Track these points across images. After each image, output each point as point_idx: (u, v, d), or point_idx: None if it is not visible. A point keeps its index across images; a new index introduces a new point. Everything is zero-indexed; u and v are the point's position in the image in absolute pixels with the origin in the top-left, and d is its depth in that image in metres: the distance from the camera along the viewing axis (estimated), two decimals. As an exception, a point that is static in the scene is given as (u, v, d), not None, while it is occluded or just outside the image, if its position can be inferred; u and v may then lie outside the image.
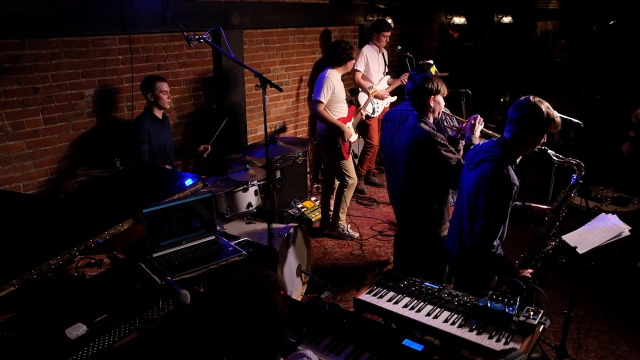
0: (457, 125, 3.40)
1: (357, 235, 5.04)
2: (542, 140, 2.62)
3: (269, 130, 4.21)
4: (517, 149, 2.64)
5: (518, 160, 2.68)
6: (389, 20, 6.36)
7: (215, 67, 4.85)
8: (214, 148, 4.40)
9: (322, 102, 4.55)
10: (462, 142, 3.26)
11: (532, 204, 2.97)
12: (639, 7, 10.48)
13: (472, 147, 3.07)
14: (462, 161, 2.99)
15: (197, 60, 4.68)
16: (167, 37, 4.34)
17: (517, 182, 2.58)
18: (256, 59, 5.24)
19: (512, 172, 2.57)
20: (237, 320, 1.38)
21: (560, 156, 2.78)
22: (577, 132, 5.92)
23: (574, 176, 2.79)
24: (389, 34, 5.76)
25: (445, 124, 3.67)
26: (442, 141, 3.04)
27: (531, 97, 2.58)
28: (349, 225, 5.04)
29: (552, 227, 2.83)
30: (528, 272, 2.74)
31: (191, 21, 3.99)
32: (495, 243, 2.64)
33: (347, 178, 4.79)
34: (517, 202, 2.88)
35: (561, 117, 3.16)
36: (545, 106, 2.54)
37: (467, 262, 2.82)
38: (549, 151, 2.73)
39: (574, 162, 2.75)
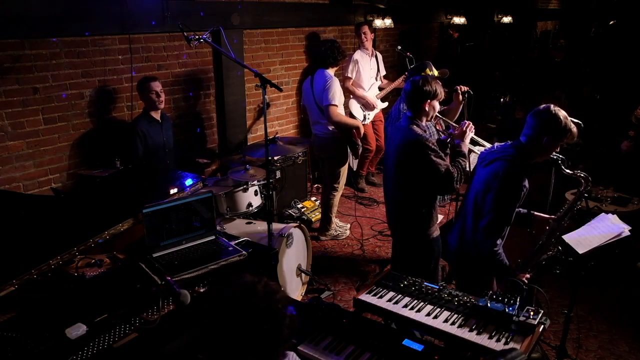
0: (445, 128, 3.40)
1: (347, 226, 5.07)
2: (557, 149, 2.67)
3: (268, 130, 4.21)
4: (531, 154, 2.68)
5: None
6: (388, 21, 6.36)
7: (215, 67, 4.85)
8: (215, 149, 4.41)
9: (337, 106, 4.44)
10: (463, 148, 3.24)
11: (535, 213, 2.98)
12: (639, 7, 10.49)
13: (460, 152, 3.09)
14: (450, 168, 2.98)
15: (197, 60, 4.68)
16: (167, 37, 4.34)
17: (527, 184, 2.60)
18: (256, 59, 5.24)
19: (522, 174, 2.60)
20: (241, 335, 1.39)
21: (569, 171, 2.76)
22: (584, 138, 5.94)
23: (581, 189, 2.80)
24: (365, 29, 5.69)
25: (438, 127, 3.66)
26: (432, 146, 3.01)
27: (551, 106, 2.62)
28: (337, 220, 5.05)
29: (552, 237, 2.83)
30: (526, 276, 2.74)
31: (191, 21, 3.99)
32: (498, 242, 2.66)
33: (339, 181, 4.78)
34: (521, 209, 2.89)
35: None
36: (563, 115, 2.58)
37: (465, 258, 2.84)
38: (559, 162, 2.74)
39: (582, 175, 2.77)
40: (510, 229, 2.77)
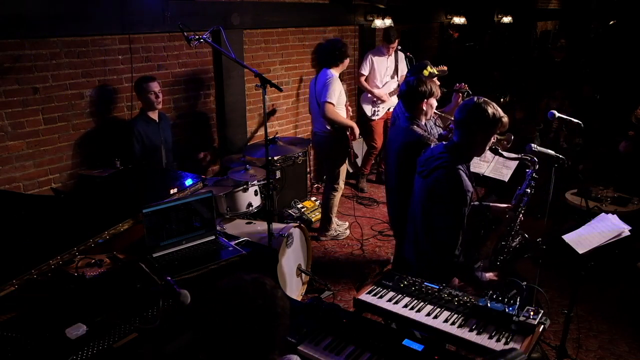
0: (445, 125, 3.40)
1: (346, 224, 5.09)
2: (492, 140, 2.58)
3: (268, 130, 4.21)
4: (468, 151, 2.60)
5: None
6: (388, 21, 6.37)
7: (215, 67, 4.85)
8: (215, 149, 4.41)
9: (332, 104, 4.45)
10: None
11: (491, 204, 2.92)
12: (639, 7, 10.50)
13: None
14: None
15: (197, 60, 4.68)
16: (167, 37, 4.34)
17: (470, 187, 2.53)
18: (256, 59, 5.24)
19: (464, 178, 2.51)
20: (239, 330, 1.39)
21: (513, 155, 2.80)
22: (584, 139, 5.96)
23: (528, 171, 2.78)
24: (393, 46, 5.75)
25: (438, 123, 3.67)
26: (433, 145, 3.02)
27: (476, 99, 2.54)
28: (337, 219, 5.06)
29: (513, 225, 2.82)
30: (493, 275, 2.70)
31: (191, 21, 3.98)
32: (457, 252, 2.59)
33: (339, 181, 4.78)
34: (475, 202, 2.81)
35: (562, 118, 3.17)
36: (491, 107, 2.50)
37: (426, 270, 2.74)
38: (500, 150, 2.72)
39: (528, 158, 2.74)
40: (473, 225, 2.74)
